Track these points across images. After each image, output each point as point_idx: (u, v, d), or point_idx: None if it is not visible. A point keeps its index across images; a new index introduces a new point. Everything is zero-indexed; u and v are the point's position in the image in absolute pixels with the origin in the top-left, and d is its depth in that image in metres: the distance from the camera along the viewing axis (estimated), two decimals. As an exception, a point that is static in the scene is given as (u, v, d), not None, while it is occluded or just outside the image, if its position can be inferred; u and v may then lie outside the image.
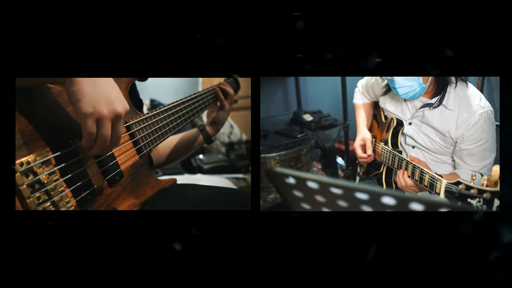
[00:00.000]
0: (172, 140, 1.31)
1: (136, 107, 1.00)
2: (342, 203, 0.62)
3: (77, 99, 0.68)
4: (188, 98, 1.16)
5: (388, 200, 0.56)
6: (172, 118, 1.06)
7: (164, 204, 0.98)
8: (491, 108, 1.17)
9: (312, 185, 0.62)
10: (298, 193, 0.66)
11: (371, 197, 0.57)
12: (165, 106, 1.05)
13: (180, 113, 1.10)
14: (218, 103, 1.33)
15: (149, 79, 1.06)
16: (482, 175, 1.17)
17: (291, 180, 0.64)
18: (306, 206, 0.69)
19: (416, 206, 0.55)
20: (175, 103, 1.09)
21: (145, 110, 1.10)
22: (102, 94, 0.69)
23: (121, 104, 0.73)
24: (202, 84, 2.82)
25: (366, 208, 0.60)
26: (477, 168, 1.20)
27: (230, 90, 1.34)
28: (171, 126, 1.05)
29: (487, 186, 0.80)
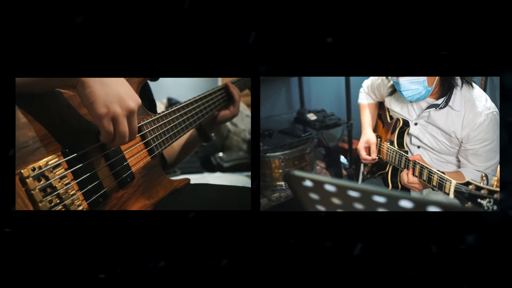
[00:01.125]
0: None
1: (148, 107, 1.00)
2: (358, 206, 0.64)
3: (90, 101, 0.70)
4: (202, 96, 1.15)
5: (405, 204, 0.58)
6: (185, 117, 1.06)
7: (176, 205, 0.98)
8: (497, 109, 1.19)
9: (329, 188, 0.63)
10: (314, 196, 0.67)
11: (389, 200, 0.59)
12: (176, 106, 1.05)
13: (193, 112, 1.10)
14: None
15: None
16: (487, 177, 1.19)
17: (308, 183, 0.65)
18: (321, 208, 0.70)
19: (434, 209, 0.56)
20: (187, 102, 1.09)
21: (162, 108, 1.09)
22: (113, 93, 0.71)
23: (133, 100, 0.75)
24: (221, 80, 2.79)
25: (382, 210, 0.61)
26: (482, 168, 1.22)
27: (235, 93, 1.28)
28: (183, 125, 1.05)
29: (497, 187, 0.81)
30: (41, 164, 0.70)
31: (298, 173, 0.64)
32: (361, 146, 1.47)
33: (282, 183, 1.99)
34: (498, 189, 0.81)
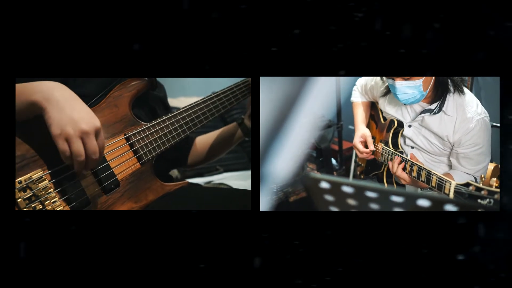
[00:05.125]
0: (210, 137, 1.29)
1: (148, 116, 1.04)
2: (374, 206, 0.65)
3: (48, 125, 0.81)
4: (196, 103, 1.12)
5: (423, 202, 0.60)
6: (182, 123, 1.06)
7: (165, 207, 0.99)
8: (487, 114, 1.22)
9: (347, 189, 0.64)
10: (329, 197, 0.69)
11: (406, 199, 0.61)
12: (172, 113, 1.05)
13: (189, 119, 1.08)
14: None
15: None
16: (478, 178, 1.23)
17: (324, 185, 0.67)
18: (334, 209, 0.72)
19: (450, 208, 0.58)
20: (181, 110, 1.07)
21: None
22: (66, 117, 0.81)
23: (87, 123, 0.82)
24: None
25: (398, 210, 0.63)
26: (472, 171, 1.26)
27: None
28: (179, 130, 1.05)
29: (496, 187, 0.85)
30: (26, 178, 0.81)
31: (315, 175, 0.66)
32: (356, 140, 1.49)
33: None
34: (498, 189, 0.84)
